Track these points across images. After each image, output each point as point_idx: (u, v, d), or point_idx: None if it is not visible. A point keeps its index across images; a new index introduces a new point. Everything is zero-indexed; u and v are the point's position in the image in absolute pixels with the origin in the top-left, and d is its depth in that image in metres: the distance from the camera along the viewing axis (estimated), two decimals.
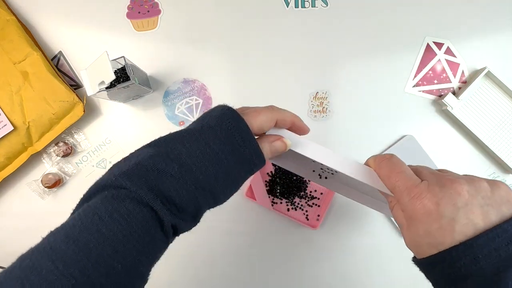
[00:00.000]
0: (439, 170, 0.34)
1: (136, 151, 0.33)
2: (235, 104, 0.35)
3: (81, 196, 0.31)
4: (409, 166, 0.34)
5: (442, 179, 0.30)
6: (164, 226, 0.30)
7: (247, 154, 0.33)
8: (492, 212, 0.27)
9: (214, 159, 0.31)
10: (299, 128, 0.38)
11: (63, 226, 0.28)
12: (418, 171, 0.33)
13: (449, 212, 0.27)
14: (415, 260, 0.32)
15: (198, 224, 0.35)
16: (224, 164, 0.32)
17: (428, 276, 0.31)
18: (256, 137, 0.34)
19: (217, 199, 0.34)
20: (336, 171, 0.37)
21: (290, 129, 0.38)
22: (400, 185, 0.31)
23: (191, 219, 0.33)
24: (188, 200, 0.31)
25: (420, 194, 0.29)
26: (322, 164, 0.36)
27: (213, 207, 0.34)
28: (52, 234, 0.28)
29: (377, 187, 0.34)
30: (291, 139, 0.36)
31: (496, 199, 0.28)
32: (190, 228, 0.34)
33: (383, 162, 0.34)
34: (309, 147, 0.36)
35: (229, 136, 0.32)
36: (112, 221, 0.27)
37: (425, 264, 0.30)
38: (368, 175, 0.34)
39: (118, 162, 0.33)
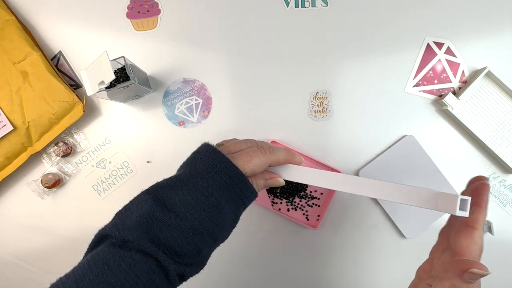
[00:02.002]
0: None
1: (136, 198, 0.34)
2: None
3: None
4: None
5: None
6: (170, 275, 0.31)
7: (238, 192, 0.34)
8: None
9: (206, 204, 0.32)
10: (293, 164, 0.39)
11: (74, 273, 0.30)
12: None
13: None
14: None
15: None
16: (216, 207, 0.33)
17: None
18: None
19: (216, 239, 0.35)
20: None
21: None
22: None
23: (195, 263, 0.34)
24: (187, 246, 0.32)
25: None
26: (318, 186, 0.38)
27: (216, 247, 0.36)
28: (62, 283, 0.29)
29: (374, 196, 0.34)
30: (284, 170, 0.38)
31: None
32: (198, 272, 0.35)
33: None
34: (303, 174, 0.38)
35: (217, 179, 0.33)
36: (120, 271, 0.29)
37: None
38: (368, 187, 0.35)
39: (120, 212, 0.34)
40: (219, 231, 0.34)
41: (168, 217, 0.31)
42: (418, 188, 0.32)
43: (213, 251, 0.36)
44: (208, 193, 0.33)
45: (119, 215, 0.34)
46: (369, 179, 0.34)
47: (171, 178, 0.35)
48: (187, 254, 0.32)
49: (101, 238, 0.33)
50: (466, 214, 0.29)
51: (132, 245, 0.30)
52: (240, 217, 0.39)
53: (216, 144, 0.39)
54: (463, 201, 0.29)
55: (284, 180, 0.40)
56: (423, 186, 0.33)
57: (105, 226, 0.34)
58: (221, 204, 0.33)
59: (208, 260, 0.37)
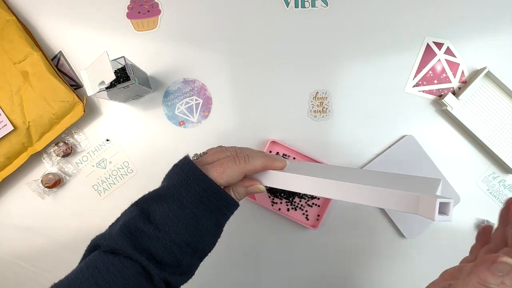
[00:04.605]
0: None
1: (125, 210, 0.36)
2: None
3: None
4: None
5: None
6: (154, 280, 0.33)
7: (214, 203, 0.35)
8: None
9: (182, 216, 0.34)
10: (274, 169, 0.38)
11: (67, 278, 0.32)
12: None
13: None
14: None
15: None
16: (192, 218, 0.34)
17: None
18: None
19: (197, 250, 0.36)
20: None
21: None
22: None
23: (180, 273, 0.35)
24: (167, 255, 0.33)
25: None
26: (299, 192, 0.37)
27: (199, 258, 0.37)
28: (56, 287, 0.31)
29: (359, 201, 0.33)
30: (264, 176, 0.38)
31: None
32: (185, 281, 0.36)
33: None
34: (282, 179, 0.37)
35: (191, 192, 0.34)
36: (108, 274, 0.31)
37: None
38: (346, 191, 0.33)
39: (112, 224, 0.36)
40: (198, 241, 0.35)
41: (148, 228, 0.33)
42: (396, 191, 0.29)
43: (199, 262, 0.37)
44: (183, 206, 0.34)
45: (111, 226, 0.36)
46: (349, 182, 0.32)
47: (154, 191, 0.37)
48: (168, 264, 0.33)
49: (94, 247, 0.35)
50: (448, 218, 0.26)
51: (119, 252, 0.32)
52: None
53: (200, 153, 0.40)
54: (443, 204, 0.26)
55: (265, 186, 0.39)
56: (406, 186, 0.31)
57: (97, 236, 0.35)
58: (196, 216, 0.34)
59: (208, 259, 0.38)
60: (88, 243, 0.36)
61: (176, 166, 0.37)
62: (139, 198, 0.37)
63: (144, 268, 0.32)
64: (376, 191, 0.31)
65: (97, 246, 0.34)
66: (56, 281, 0.32)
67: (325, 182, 0.34)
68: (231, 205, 0.37)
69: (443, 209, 0.27)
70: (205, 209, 0.35)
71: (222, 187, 0.36)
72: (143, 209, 0.35)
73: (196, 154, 0.41)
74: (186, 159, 0.37)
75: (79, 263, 0.35)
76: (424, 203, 0.28)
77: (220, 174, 0.35)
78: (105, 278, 0.31)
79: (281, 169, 0.38)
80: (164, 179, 0.39)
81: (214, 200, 0.35)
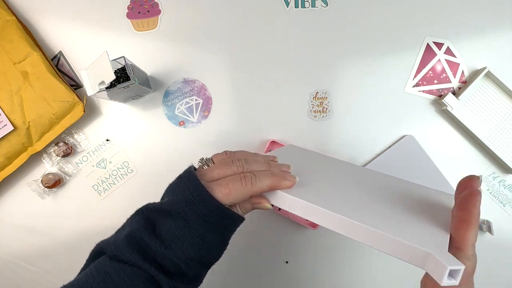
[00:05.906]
0: None
1: (131, 217, 0.36)
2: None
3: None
4: None
5: None
6: None
7: (219, 221, 0.35)
8: None
9: (188, 235, 0.34)
10: (281, 189, 0.37)
11: (77, 281, 0.32)
12: None
13: None
14: None
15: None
16: (198, 237, 0.34)
17: None
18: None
19: (203, 263, 0.36)
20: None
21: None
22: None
23: (187, 281, 0.35)
24: (173, 268, 0.34)
25: None
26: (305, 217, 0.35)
27: (205, 268, 0.37)
28: None
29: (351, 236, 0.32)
30: (272, 195, 0.37)
31: None
32: None
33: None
34: (287, 202, 0.36)
35: (196, 212, 0.34)
36: (120, 280, 0.31)
37: None
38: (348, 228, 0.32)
39: (118, 230, 0.36)
40: (203, 257, 0.35)
41: (154, 243, 0.33)
42: (406, 243, 0.29)
43: (206, 271, 0.38)
44: (189, 225, 0.34)
45: (117, 232, 0.36)
46: (357, 221, 0.31)
47: (159, 204, 0.36)
48: (175, 274, 0.34)
49: (99, 253, 0.35)
50: (455, 282, 0.25)
51: (128, 262, 0.33)
52: None
53: (205, 159, 0.39)
54: (453, 271, 0.25)
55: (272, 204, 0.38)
56: (417, 240, 0.30)
57: (103, 241, 0.35)
58: (202, 235, 0.34)
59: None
60: (88, 243, 0.36)
61: (180, 180, 0.36)
62: (144, 206, 0.36)
63: (153, 277, 0.33)
64: (387, 238, 0.31)
65: (102, 252, 0.34)
66: (57, 280, 0.32)
67: (335, 218, 0.33)
68: (238, 221, 0.37)
69: (453, 273, 0.25)
70: (210, 228, 0.34)
71: (227, 206, 0.35)
72: (149, 219, 0.34)
73: (202, 159, 0.39)
74: (190, 174, 0.35)
75: (84, 267, 0.35)
76: (433, 263, 0.26)
77: (225, 196, 0.34)
78: (116, 284, 0.31)
79: (289, 188, 0.36)
80: (168, 191, 0.37)
81: (219, 219, 0.35)
